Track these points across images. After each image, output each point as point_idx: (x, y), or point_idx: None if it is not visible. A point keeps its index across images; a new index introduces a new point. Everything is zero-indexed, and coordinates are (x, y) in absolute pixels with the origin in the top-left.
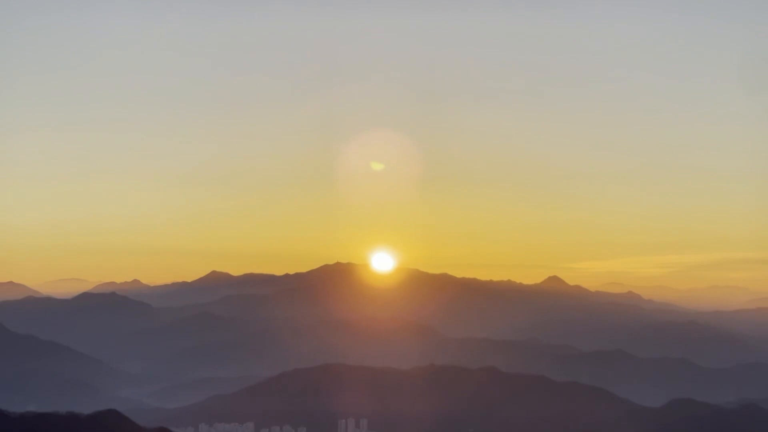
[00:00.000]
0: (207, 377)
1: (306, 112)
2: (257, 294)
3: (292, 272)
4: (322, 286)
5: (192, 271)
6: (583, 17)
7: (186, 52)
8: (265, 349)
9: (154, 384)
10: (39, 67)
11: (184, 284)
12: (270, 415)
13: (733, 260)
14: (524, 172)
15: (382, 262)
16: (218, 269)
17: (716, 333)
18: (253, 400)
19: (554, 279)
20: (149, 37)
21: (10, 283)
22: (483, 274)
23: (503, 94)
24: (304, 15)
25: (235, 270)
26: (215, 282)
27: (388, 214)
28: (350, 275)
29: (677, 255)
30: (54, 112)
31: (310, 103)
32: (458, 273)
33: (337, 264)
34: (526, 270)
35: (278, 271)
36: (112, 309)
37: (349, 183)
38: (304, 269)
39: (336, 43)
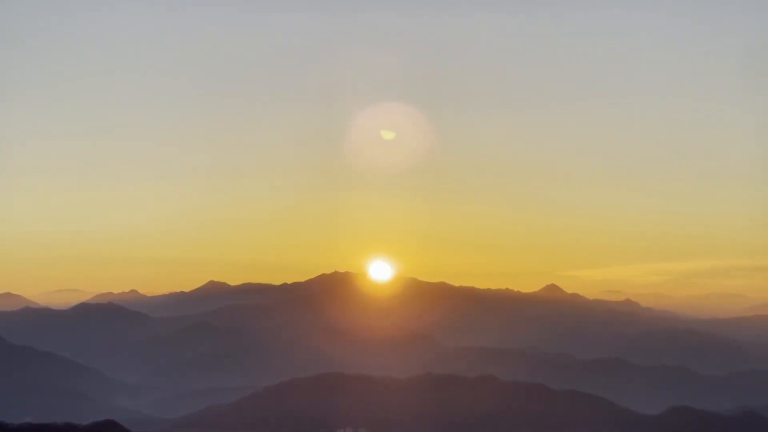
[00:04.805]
0: (205, 387)
1: (301, 121)
2: (255, 303)
3: (290, 281)
4: (320, 296)
5: (190, 281)
6: (581, 20)
7: (183, 55)
8: (263, 358)
9: (152, 394)
10: (30, 71)
11: (181, 294)
12: (268, 425)
13: (732, 268)
14: (521, 179)
15: (380, 271)
16: (216, 279)
17: (715, 340)
18: (252, 410)
19: (552, 287)
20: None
21: (7, 294)
22: (481, 283)
23: (499, 99)
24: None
25: (233, 280)
26: (213, 292)
27: (385, 223)
28: (348, 284)
29: (675, 262)
30: (50, 119)
31: (305, 112)
32: (456, 281)
33: (335, 273)
34: (524, 278)
35: (276, 280)
36: (109, 319)
37: (346, 192)
38: (302, 278)
39: (337, 47)
